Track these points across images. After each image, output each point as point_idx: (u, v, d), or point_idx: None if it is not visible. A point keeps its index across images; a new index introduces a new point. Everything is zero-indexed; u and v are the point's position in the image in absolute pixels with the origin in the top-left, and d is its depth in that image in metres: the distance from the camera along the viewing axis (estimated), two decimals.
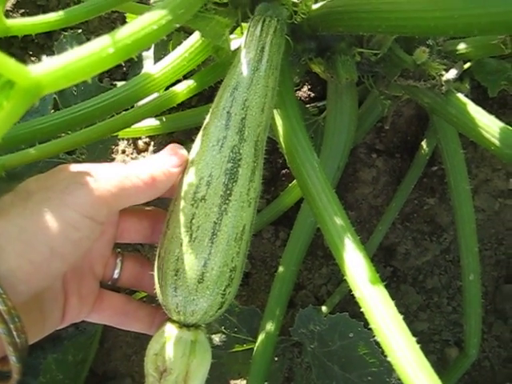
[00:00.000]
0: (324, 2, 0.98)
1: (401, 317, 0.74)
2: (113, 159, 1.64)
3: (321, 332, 1.15)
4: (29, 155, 0.97)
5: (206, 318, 0.77)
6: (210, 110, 0.82)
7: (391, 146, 1.54)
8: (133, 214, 0.85)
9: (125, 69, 1.73)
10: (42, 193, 0.67)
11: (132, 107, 1.07)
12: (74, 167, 0.73)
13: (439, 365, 1.44)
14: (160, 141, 1.63)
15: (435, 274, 1.53)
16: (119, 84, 1.56)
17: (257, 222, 1.45)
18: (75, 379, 1.37)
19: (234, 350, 1.30)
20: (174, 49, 1.03)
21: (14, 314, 0.60)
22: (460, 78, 1.18)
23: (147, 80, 1.01)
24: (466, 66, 1.19)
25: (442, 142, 1.26)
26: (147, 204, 0.80)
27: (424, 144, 1.45)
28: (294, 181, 1.43)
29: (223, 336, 1.29)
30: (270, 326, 1.12)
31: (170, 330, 0.76)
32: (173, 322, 0.78)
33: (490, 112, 0.95)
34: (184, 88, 1.06)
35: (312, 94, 1.55)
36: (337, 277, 1.54)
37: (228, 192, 0.76)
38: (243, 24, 1.04)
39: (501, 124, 0.93)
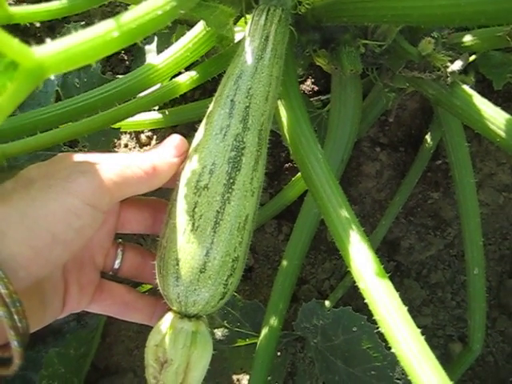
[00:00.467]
0: None
1: (405, 308, 0.73)
2: (115, 153, 1.63)
3: (324, 326, 1.15)
4: (29, 144, 0.97)
5: (207, 309, 0.77)
6: (214, 98, 0.81)
7: (395, 139, 1.53)
8: (134, 204, 0.85)
9: (127, 62, 1.72)
10: (44, 180, 0.66)
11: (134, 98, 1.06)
12: (76, 156, 0.72)
13: (443, 360, 1.41)
14: (163, 134, 1.62)
15: (439, 268, 1.53)
16: None
17: (259, 216, 1.45)
18: (77, 373, 1.37)
19: (236, 344, 1.30)
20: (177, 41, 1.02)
21: (15, 297, 0.59)
22: (465, 71, 1.17)
23: (150, 71, 1.01)
24: (471, 58, 1.18)
25: (446, 135, 1.25)
26: (148, 194, 0.79)
27: (428, 138, 1.44)
28: (297, 174, 1.42)
29: (226, 330, 1.29)
30: (273, 321, 1.12)
31: (171, 321, 0.76)
32: (174, 312, 0.77)
33: (495, 105, 0.94)
34: (187, 79, 1.06)
35: (315, 88, 1.54)
36: (340, 271, 1.54)
37: (231, 181, 0.75)
38: (247, 15, 1.04)
39: (507, 116, 0.93)
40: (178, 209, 0.75)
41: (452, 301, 1.51)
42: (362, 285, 0.76)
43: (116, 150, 1.64)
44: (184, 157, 0.80)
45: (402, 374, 1.08)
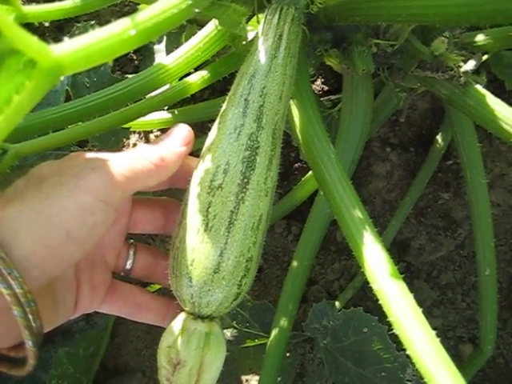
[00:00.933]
0: None
1: (420, 310, 0.73)
2: None
3: (334, 327, 1.14)
4: (41, 143, 0.96)
5: (221, 310, 0.76)
6: (227, 97, 0.81)
7: (406, 139, 1.52)
8: (145, 204, 0.85)
9: (136, 62, 1.72)
10: (56, 177, 0.66)
11: (145, 98, 1.06)
12: (87, 154, 0.72)
13: (453, 361, 1.42)
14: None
15: (449, 269, 1.52)
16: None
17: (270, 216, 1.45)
18: (86, 373, 1.37)
19: (245, 345, 1.29)
20: (186, 41, 1.02)
21: (29, 297, 0.59)
22: (477, 71, 1.16)
23: (160, 71, 1.01)
24: (483, 58, 1.18)
25: (458, 135, 1.24)
26: (160, 194, 0.79)
27: (439, 138, 1.43)
28: (307, 175, 1.42)
29: (235, 331, 1.29)
30: (282, 321, 1.11)
31: (184, 322, 0.75)
32: (187, 313, 0.76)
33: (507, 106, 0.94)
34: (198, 78, 1.05)
35: (325, 88, 1.54)
36: (349, 272, 1.53)
37: (245, 180, 0.74)
38: (259, 15, 1.03)
39: None
40: (192, 209, 0.75)
41: (462, 302, 1.50)
42: (375, 286, 0.76)
43: (125, 149, 1.64)
44: (191, 145, 0.80)
45: (413, 375, 1.07)
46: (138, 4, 1.41)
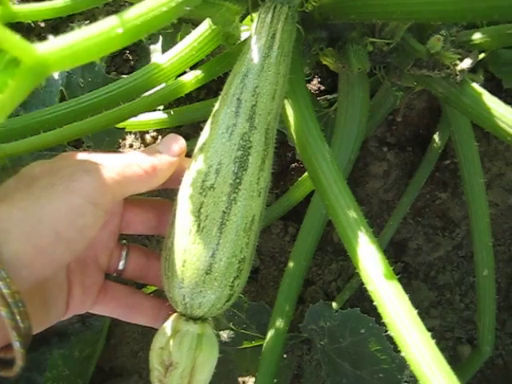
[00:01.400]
0: None
1: (415, 311, 0.72)
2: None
3: (331, 328, 1.14)
4: (33, 143, 0.95)
5: (213, 311, 0.75)
6: (220, 96, 0.80)
7: (403, 139, 1.51)
8: (138, 204, 0.85)
9: (132, 62, 1.71)
10: (47, 178, 0.65)
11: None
12: (79, 155, 0.72)
13: (451, 362, 1.41)
14: (167, 134, 1.60)
15: (447, 269, 1.51)
16: None
17: (266, 216, 1.44)
18: (81, 375, 1.36)
19: (242, 346, 1.29)
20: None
21: (17, 298, 0.58)
22: (473, 70, 1.15)
23: (155, 70, 1.00)
24: (480, 57, 1.17)
25: (455, 134, 1.23)
26: (153, 194, 0.78)
27: (436, 137, 1.42)
28: (304, 175, 1.41)
29: (231, 332, 1.28)
30: (279, 322, 1.10)
31: (176, 323, 0.74)
32: (179, 314, 0.76)
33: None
34: (192, 78, 1.04)
35: (322, 87, 1.53)
36: (347, 272, 1.52)
37: (237, 181, 0.74)
38: (253, 14, 1.02)
39: None
40: (183, 209, 0.74)
41: (460, 302, 1.50)
42: (370, 287, 0.75)
43: (121, 150, 1.63)
44: (183, 156, 0.80)
45: (411, 376, 1.07)
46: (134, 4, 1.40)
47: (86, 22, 1.33)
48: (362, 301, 1.48)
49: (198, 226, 0.72)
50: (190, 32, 1.02)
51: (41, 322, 0.73)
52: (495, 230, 1.47)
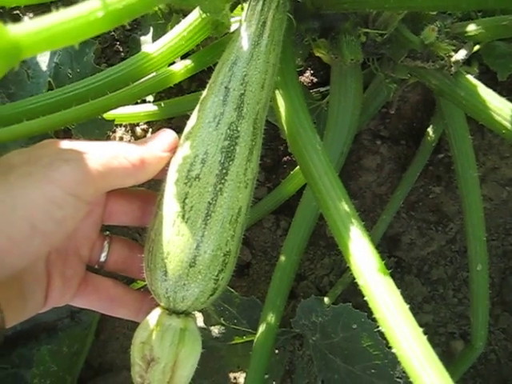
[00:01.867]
0: None
1: (407, 306, 0.71)
2: None
3: (323, 323, 1.13)
4: (14, 131, 0.93)
5: (196, 305, 0.74)
6: (208, 85, 0.78)
7: (396, 132, 1.50)
8: (121, 195, 0.82)
9: (122, 54, 1.69)
10: (26, 167, 0.63)
11: None
12: (62, 143, 0.69)
13: (444, 358, 1.39)
14: (158, 127, 1.59)
15: (440, 264, 1.50)
16: None
17: (257, 210, 1.43)
18: (70, 371, 1.34)
19: (233, 342, 1.28)
20: None
21: None
22: (468, 62, 1.14)
23: (144, 60, 0.98)
24: (475, 49, 1.15)
25: (449, 127, 1.22)
26: (137, 185, 0.76)
27: (430, 130, 1.41)
28: (296, 168, 1.39)
29: (222, 328, 1.27)
30: (270, 318, 1.09)
31: (159, 317, 0.73)
32: (162, 308, 0.75)
33: None
34: (181, 68, 1.02)
35: (315, 80, 1.51)
36: (339, 267, 1.51)
37: (224, 171, 0.72)
38: (244, 4, 1.00)
39: None
40: (168, 200, 0.72)
41: (454, 298, 1.48)
42: (361, 281, 0.74)
43: None
44: (174, 152, 0.77)
45: (403, 372, 1.05)
46: None
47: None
48: (355, 296, 1.46)
49: (183, 217, 0.71)
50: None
51: (18, 314, 0.71)
52: (489, 224, 1.46)
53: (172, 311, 0.74)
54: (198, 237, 0.70)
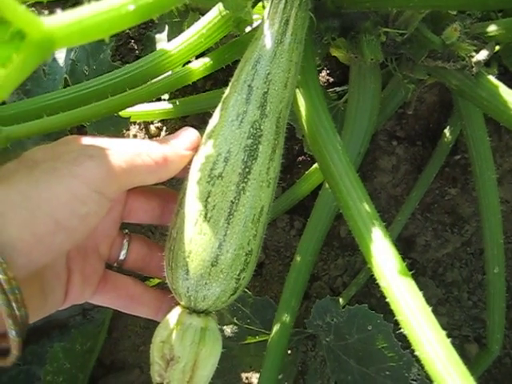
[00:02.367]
0: None
1: (429, 308, 0.70)
2: None
3: (338, 324, 1.12)
4: (33, 127, 0.93)
5: (217, 304, 0.73)
6: (230, 83, 0.78)
7: (412, 133, 1.49)
8: (141, 193, 0.82)
9: (137, 52, 1.69)
10: (50, 162, 0.63)
11: None
12: (85, 139, 0.69)
13: None
14: (173, 125, 1.58)
15: (455, 266, 1.49)
16: None
17: (271, 210, 1.42)
18: (82, 368, 1.34)
19: (246, 341, 1.27)
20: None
21: (13, 284, 0.56)
22: (487, 63, 1.13)
23: (162, 57, 0.98)
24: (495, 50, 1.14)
25: (467, 128, 1.21)
26: (158, 183, 0.76)
27: (447, 132, 1.40)
28: (311, 168, 1.39)
29: (235, 327, 1.26)
30: (284, 317, 1.09)
31: (179, 316, 0.73)
32: (182, 307, 0.74)
33: None
34: (200, 65, 1.02)
35: (331, 79, 1.50)
36: (353, 268, 1.50)
37: (247, 170, 0.72)
38: (264, 2, 1.00)
39: None
40: (190, 198, 0.72)
41: (468, 300, 1.47)
42: (383, 283, 0.73)
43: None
44: (196, 150, 0.77)
45: (418, 374, 1.05)
46: None
47: None
48: (369, 297, 1.46)
49: (205, 215, 0.70)
50: (198, 20, 0.99)
51: (38, 311, 0.71)
52: (505, 227, 1.44)
53: (192, 310, 0.73)
54: (220, 236, 0.70)
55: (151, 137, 1.61)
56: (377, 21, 1.02)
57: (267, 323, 1.20)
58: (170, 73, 1.02)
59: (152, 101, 1.48)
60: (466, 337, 1.46)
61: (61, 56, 1.30)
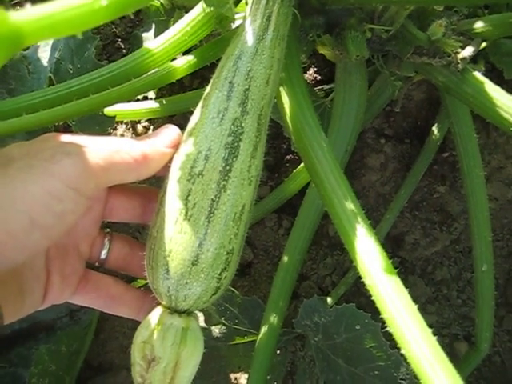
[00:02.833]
0: None
1: (415, 306, 0.70)
2: None
3: (326, 324, 1.12)
4: (12, 125, 0.91)
5: (198, 304, 0.73)
6: (211, 80, 0.77)
7: (400, 130, 1.48)
8: (122, 191, 0.81)
9: (124, 51, 1.67)
10: (26, 159, 0.62)
11: None
12: (63, 137, 0.68)
13: (448, 360, 1.39)
14: (160, 125, 1.56)
15: (445, 265, 1.48)
16: None
17: (259, 209, 1.42)
18: (68, 370, 1.33)
19: (234, 342, 1.26)
20: None
21: None
22: (474, 60, 1.12)
23: (146, 55, 0.96)
24: (481, 46, 1.14)
25: (454, 125, 1.21)
26: (139, 182, 0.74)
27: (435, 129, 1.39)
28: (299, 167, 1.38)
29: (223, 328, 1.25)
30: (272, 318, 1.08)
31: (160, 316, 0.72)
32: (163, 307, 0.73)
33: None
34: (184, 63, 1.01)
35: (318, 77, 1.49)
36: (342, 267, 1.49)
37: (227, 168, 0.71)
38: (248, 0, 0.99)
39: None
40: (170, 196, 0.71)
41: (458, 299, 1.47)
42: (368, 281, 0.73)
43: None
44: (177, 148, 0.76)
45: (407, 374, 1.05)
46: None
47: None
48: (358, 296, 1.45)
49: (186, 214, 0.69)
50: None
51: (15, 311, 0.70)
52: (494, 224, 1.44)
53: (174, 310, 0.72)
54: (200, 234, 0.69)
55: (138, 136, 1.60)
56: (362, 17, 1.02)
57: (256, 323, 1.20)
58: (154, 71, 1.01)
59: (139, 100, 1.47)
60: (455, 335, 1.46)
61: (45, 55, 1.29)
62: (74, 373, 1.38)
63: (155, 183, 0.81)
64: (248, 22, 0.78)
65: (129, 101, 1.39)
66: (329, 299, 1.40)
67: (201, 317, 1.25)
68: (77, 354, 1.37)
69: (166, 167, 0.74)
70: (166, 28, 1.40)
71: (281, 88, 0.92)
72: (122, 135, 1.61)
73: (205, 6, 0.91)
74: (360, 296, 1.46)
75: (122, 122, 1.61)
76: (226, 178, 0.70)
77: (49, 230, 0.62)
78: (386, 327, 0.70)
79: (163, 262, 0.70)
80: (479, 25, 1.06)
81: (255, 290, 1.51)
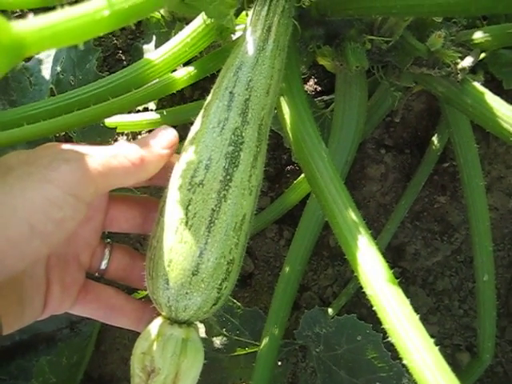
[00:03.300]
0: None
1: (417, 316, 0.69)
2: None
3: (327, 335, 1.11)
4: (13, 135, 0.92)
5: (199, 315, 0.72)
6: (212, 90, 0.77)
7: (401, 141, 1.48)
8: (123, 201, 0.81)
9: (125, 62, 1.68)
10: (24, 167, 0.62)
11: None
12: (62, 145, 0.68)
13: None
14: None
15: (446, 275, 1.48)
16: None
17: (260, 220, 1.42)
18: (69, 382, 1.32)
19: (235, 353, 1.26)
20: None
21: None
22: (473, 71, 1.13)
23: (147, 66, 0.97)
24: (480, 57, 1.15)
25: (455, 136, 1.21)
26: (139, 192, 0.75)
27: (435, 139, 1.40)
28: (299, 177, 1.38)
29: (224, 339, 1.25)
30: (273, 329, 1.08)
31: (160, 327, 0.71)
32: (163, 317, 0.73)
33: None
34: (184, 74, 1.01)
35: (318, 88, 1.50)
36: (343, 278, 1.49)
37: (228, 177, 0.71)
38: (248, 10, 0.99)
39: None
40: (171, 206, 0.71)
41: (459, 309, 1.47)
42: (369, 291, 0.72)
43: None
44: (174, 149, 0.76)
45: None
46: None
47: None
48: (359, 307, 1.45)
49: (186, 224, 0.69)
50: None
51: (15, 321, 0.70)
52: (495, 234, 1.44)
53: (174, 321, 0.72)
54: (201, 244, 0.69)
55: None
56: (362, 28, 1.02)
57: (257, 334, 1.19)
58: (155, 81, 1.02)
59: (140, 111, 1.47)
60: (457, 346, 1.45)
61: (47, 66, 1.30)
62: None
63: (155, 193, 0.81)
64: (248, 32, 0.79)
65: (129, 112, 1.40)
66: (330, 310, 1.39)
67: (201, 328, 1.24)
68: (77, 366, 1.37)
69: (167, 177, 0.74)
70: (167, 40, 1.41)
71: (281, 99, 0.93)
72: None
73: (205, 17, 0.92)
74: (361, 307, 1.45)
75: (122, 134, 1.62)
76: (227, 187, 0.70)
77: (49, 236, 0.62)
78: (387, 338, 0.70)
79: (163, 272, 0.69)
80: (478, 35, 1.07)
81: (256, 300, 1.51)
